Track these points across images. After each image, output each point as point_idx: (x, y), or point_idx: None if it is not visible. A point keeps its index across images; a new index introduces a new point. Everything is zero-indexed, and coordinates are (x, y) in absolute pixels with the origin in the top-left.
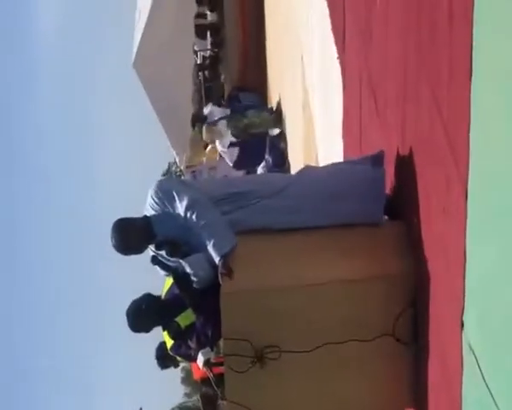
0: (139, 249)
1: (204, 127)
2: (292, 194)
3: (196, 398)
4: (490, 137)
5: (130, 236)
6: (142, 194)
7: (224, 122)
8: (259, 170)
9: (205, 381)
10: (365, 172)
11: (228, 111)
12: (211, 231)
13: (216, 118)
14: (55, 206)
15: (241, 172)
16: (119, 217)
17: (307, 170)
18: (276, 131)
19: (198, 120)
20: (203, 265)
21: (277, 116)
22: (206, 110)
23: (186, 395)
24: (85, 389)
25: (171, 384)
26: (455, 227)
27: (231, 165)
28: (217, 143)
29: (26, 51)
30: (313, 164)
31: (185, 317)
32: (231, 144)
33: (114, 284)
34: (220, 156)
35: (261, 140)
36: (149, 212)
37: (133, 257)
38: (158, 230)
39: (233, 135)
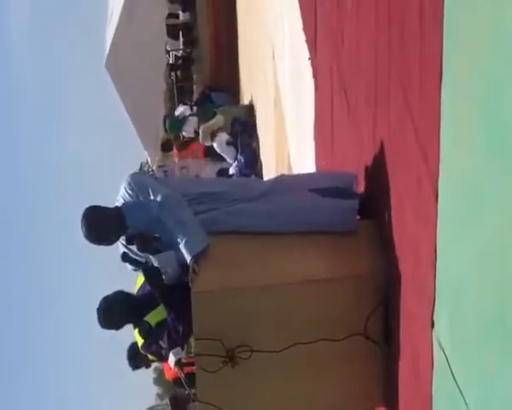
0: (110, 240)
1: (201, 128)
2: (266, 202)
3: (166, 402)
4: (460, 139)
5: (102, 224)
6: (115, 195)
7: (195, 119)
8: (232, 170)
9: (176, 381)
10: (338, 205)
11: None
12: (183, 230)
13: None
14: (26, 209)
15: (212, 171)
16: (89, 205)
17: (282, 181)
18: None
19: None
20: (172, 262)
21: (249, 110)
22: (177, 112)
23: (158, 395)
24: (56, 390)
25: (144, 385)
26: (426, 227)
27: (238, 168)
28: (214, 144)
29: None
30: (285, 164)
31: (157, 313)
32: (228, 143)
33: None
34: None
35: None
36: (120, 203)
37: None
38: (129, 221)
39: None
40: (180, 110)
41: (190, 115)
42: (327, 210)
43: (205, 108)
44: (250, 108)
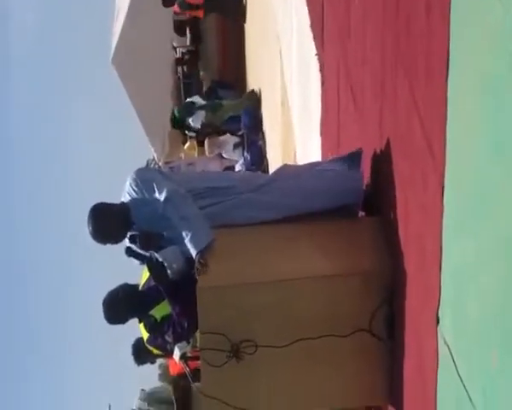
0: (117, 237)
1: (206, 141)
2: (270, 191)
3: (167, 386)
4: (466, 133)
5: (108, 222)
6: (121, 192)
7: (203, 113)
8: (237, 167)
9: (182, 377)
10: (343, 173)
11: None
12: (188, 225)
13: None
14: (31, 204)
15: (218, 168)
16: (96, 202)
17: (285, 169)
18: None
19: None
20: (177, 257)
21: (256, 101)
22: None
23: None
24: (57, 386)
25: (149, 382)
26: (431, 223)
27: (244, 165)
28: (223, 153)
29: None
30: (291, 161)
31: (162, 307)
32: (235, 146)
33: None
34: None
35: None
36: (127, 199)
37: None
38: (135, 217)
39: (206, 121)
40: (194, 98)
41: (200, 108)
42: (331, 181)
43: (212, 103)
44: (257, 99)
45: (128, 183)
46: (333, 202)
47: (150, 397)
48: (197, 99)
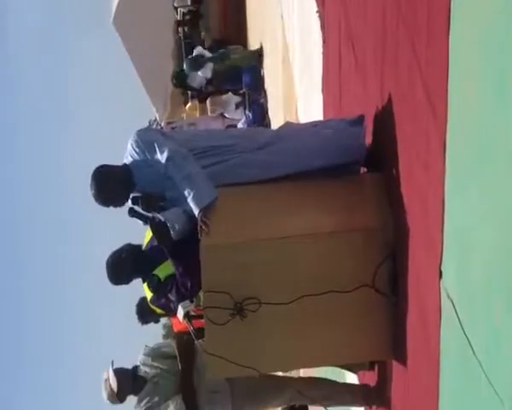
0: (119, 200)
1: (208, 100)
2: (273, 150)
3: (171, 341)
4: (468, 90)
5: (110, 184)
6: (123, 153)
7: (211, 65)
8: (240, 126)
9: (185, 333)
10: (345, 131)
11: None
12: (191, 184)
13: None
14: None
15: (220, 127)
16: (98, 165)
17: (288, 126)
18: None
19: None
20: (180, 218)
21: (258, 56)
22: (195, 51)
23: None
24: (61, 347)
25: (153, 341)
26: (433, 179)
27: (246, 123)
28: (225, 113)
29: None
30: (293, 119)
31: (166, 267)
32: (237, 106)
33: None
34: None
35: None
36: (129, 161)
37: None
38: (138, 178)
39: (214, 72)
40: (198, 50)
41: (209, 60)
42: (334, 139)
43: (219, 53)
44: (259, 55)
45: (129, 144)
46: (335, 159)
47: (154, 352)
48: (204, 52)
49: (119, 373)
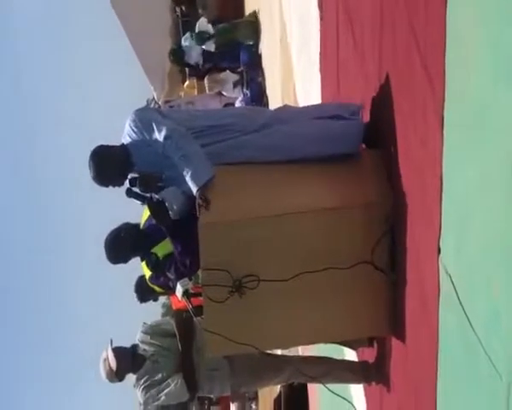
0: (118, 180)
1: (206, 78)
2: (272, 133)
3: (169, 319)
4: (466, 64)
5: (109, 165)
6: (121, 133)
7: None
8: (238, 104)
9: (184, 311)
10: (344, 121)
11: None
12: (189, 162)
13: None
14: (34, 148)
15: (218, 106)
16: (96, 145)
17: (286, 109)
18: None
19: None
20: (178, 197)
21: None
22: (198, 25)
23: None
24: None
25: (152, 320)
26: (431, 154)
27: (244, 102)
28: (223, 92)
29: None
30: (291, 98)
31: (164, 245)
32: (235, 84)
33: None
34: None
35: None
36: (127, 140)
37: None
38: (136, 158)
39: (215, 44)
40: (202, 24)
41: (212, 36)
42: (331, 130)
43: (220, 27)
44: (256, 29)
45: (127, 124)
46: (331, 148)
47: (153, 330)
48: (208, 26)
49: (118, 352)
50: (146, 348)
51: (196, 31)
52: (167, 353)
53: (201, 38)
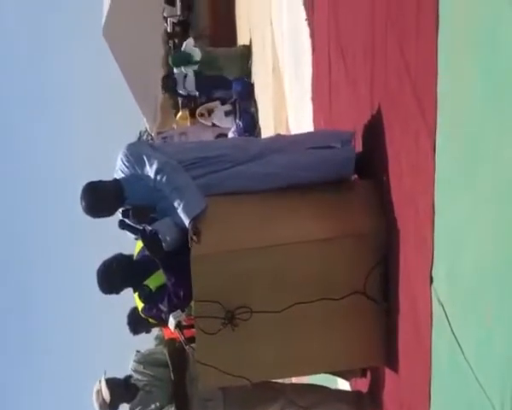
0: (109, 213)
1: (198, 109)
2: (265, 163)
3: (162, 348)
4: (457, 91)
5: (101, 198)
6: (114, 165)
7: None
8: (230, 134)
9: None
10: (335, 150)
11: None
12: (180, 195)
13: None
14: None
15: (211, 137)
16: (88, 181)
17: (279, 139)
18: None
19: (168, 84)
20: (171, 229)
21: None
22: (184, 45)
23: None
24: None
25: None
26: (424, 183)
27: (236, 132)
28: (214, 120)
29: None
30: (283, 127)
31: (156, 277)
32: (226, 113)
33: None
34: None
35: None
36: (119, 175)
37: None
38: (128, 192)
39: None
40: (189, 44)
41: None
42: (324, 159)
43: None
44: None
45: (119, 159)
46: (325, 176)
47: (145, 359)
48: (195, 50)
49: (112, 383)
50: (139, 377)
51: (182, 49)
52: (160, 383)
53: (184, 59)
